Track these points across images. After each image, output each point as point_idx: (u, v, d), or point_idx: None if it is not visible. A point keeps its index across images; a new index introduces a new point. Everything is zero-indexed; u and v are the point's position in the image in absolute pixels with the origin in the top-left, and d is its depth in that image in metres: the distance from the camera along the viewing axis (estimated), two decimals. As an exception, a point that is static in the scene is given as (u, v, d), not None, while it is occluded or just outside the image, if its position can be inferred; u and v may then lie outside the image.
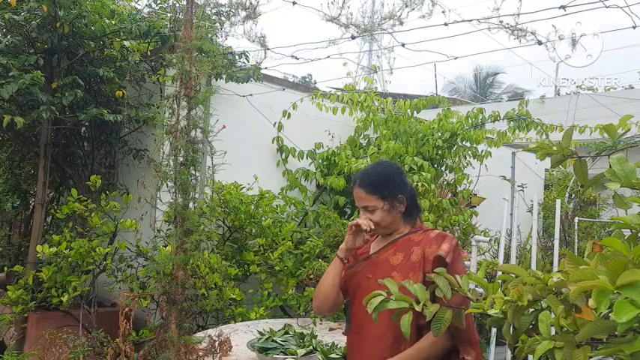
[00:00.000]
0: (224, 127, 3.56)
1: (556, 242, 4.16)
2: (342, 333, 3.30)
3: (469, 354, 1.68)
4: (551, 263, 4.29)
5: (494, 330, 3.74)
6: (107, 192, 4.09)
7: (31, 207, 5.02)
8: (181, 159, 2.59)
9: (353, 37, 4.18)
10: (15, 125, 3.74)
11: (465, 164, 5.50)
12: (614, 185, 1.06)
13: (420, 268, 1.75)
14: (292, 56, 4.46)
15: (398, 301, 1.28)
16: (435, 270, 1.41)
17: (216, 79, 4.56)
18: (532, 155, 1.27)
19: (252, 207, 4.35)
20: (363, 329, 1.83)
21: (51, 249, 3.59)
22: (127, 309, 2.89)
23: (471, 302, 1.30)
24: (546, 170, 8.12)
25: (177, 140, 2.56)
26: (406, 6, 3.97)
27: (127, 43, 4.37)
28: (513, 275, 1.19)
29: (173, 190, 2.61)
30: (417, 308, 1.28)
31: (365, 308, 1.32)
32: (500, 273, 1.33)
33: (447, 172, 5.46)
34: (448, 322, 1.28)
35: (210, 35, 4.24)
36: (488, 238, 5.00)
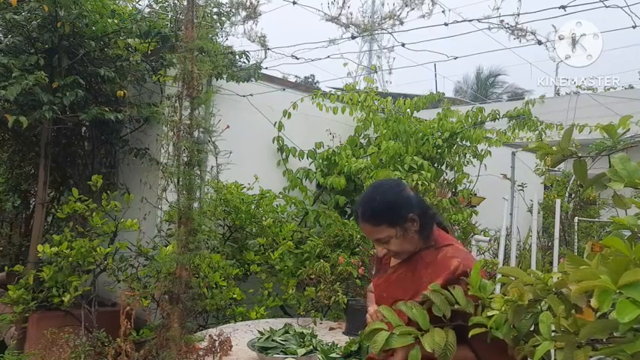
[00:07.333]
0: (227, 126, 3.55)
1: (556, 242, 4.15)
2: (343, 332, 3.31)
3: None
4: (551, 263, 4.28)
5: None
6: (108, 191, 4.09)
7: (31, 207, 5.01)
8: (185, 159, 2.59)
9: (353, 37, 4.18)
10: (16, 125, 3.74)
11: (465, 163, 5.50)
12: (617, 185, 1.05)
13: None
14: (292, 56, 4.47)
15: (402, 336, 1.21)
16: (429, 286, 1.36)
17: (217, 79, 4.56)
18: (532, 155, 1.27)
19: (253, 207, 4.35)
20: None
21: (52, 248, 3.59)
22: (127, 308, 2.89)
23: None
24: (543, 172, 8.05)
25: (180, 140, 2.56)
26: (406, 5, 3.97)
27: (129, 42, 4.36)
28: (512, 278, 1.18)
29: (178, 190, 2.61)
30: (427, 347, 1.18)
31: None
32: (500, 273, 1.32)
33: (447, 170, 5.46)
34: (453, 346, 1.22)
35: (210, 35, 4.24)
36: (488, 238, 5.00)
